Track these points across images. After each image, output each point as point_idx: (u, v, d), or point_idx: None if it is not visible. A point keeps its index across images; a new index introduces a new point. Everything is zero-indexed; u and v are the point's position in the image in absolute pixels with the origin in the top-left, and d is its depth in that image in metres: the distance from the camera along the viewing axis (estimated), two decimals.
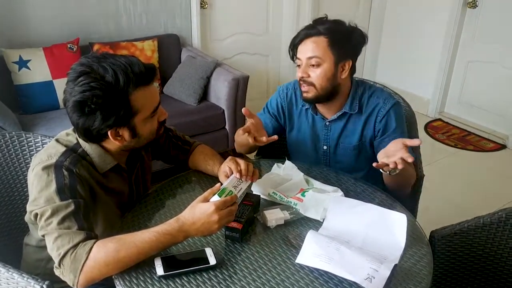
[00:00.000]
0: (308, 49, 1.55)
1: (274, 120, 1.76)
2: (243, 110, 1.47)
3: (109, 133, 1.22)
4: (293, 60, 1.64)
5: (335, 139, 1.70)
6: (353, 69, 1.62)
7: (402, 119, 1.65)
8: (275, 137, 1.49)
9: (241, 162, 1.38)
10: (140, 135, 1.28)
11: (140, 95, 1.21)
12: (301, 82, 1.60)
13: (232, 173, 1.36)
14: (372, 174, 1.59)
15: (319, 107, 1.68)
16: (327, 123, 1.69)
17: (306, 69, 1.57)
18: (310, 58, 1.55)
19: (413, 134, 1.90)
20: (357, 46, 1.60)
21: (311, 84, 1.57)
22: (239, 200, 1.25)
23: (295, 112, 1.74)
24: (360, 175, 1.68)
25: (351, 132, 1.67)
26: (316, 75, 1.56)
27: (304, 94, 1.61)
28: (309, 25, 1.58)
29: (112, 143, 1.28)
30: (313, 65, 1.55)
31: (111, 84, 1.16)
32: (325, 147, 1.73)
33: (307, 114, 1.72)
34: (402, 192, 1.62)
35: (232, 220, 1.19)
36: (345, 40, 1.55)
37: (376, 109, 1.63)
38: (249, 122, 1.49)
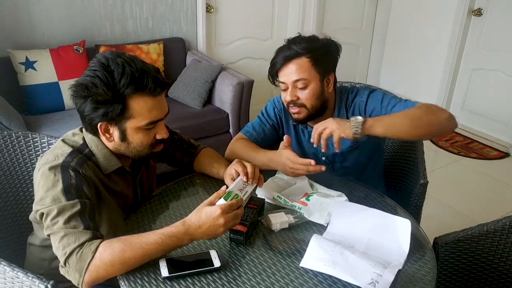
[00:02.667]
0: (292, 72, 1.53)
1: (273, 130, 1.74)
2: (286, 137, 1.47)
3: (98, 125, 1.23)
4: (275, 85, 1.62)
5: (330, 148, 1.65)
6: (335, 80, 1.61)
7: (383, 93, 1.60)
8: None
9: (248, 165, 1.39)
10: (129, 141, 1.27)
11: (141, 102, 1.21)
12: (291, 105, 1.58)
13: (238, 175, 1.37)
14: (376, 166, 1.64)
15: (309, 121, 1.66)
16: None
17: (294, 92, 1.55)
18: (297, 81, 1.53)
19: (417, 141, 1.90)
20: (336, 58, 1.59)
21: (302, 105, 1.56)
22: (244, 203, 1.25)
23: (291, 124, 1.73)
24: (368, 171, 1.70)
25: (343, 139, 1.65)
26: (305, 96, 1.54)
27: (295, 116, 1.59)
28: (284, 47, 1.56)
29: (105, 141, 1.29)
30: (300, 87, 1.54)
31: (113, 79, 1.17)
32: (323, 158, 1.72)
33: (303, 130, 1.71)
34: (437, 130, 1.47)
35: (237, 223, 1.19)
36: (325, 55, 1.55)
37: (356, 106, 1.62)
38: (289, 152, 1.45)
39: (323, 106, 1.59)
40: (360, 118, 1.40)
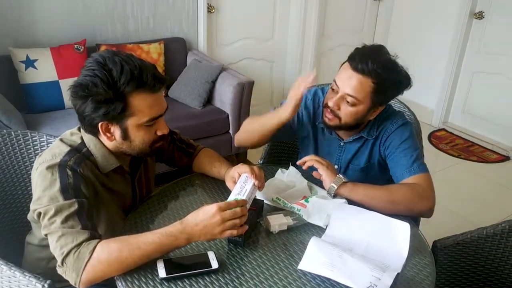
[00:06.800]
0: (350, 84, 1.45)
1: (287, 124, 1.65)
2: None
3: (99, 125, 1.23)
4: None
5: (347, 160, 1.66)
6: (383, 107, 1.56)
7: (409, 136, 1.55)
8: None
9: (255, 168, 1.38)
10: (131, 139, 1.27)
11: (141, 99, 1.21)
12: (328, 109, 1.52)
13: (238, 178, 1.37)
14: (385, 176, 1.59)
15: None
16: (342, 144, 1.65)
17: (339, 102, 1.48)
18: (348, 95, 1.45)
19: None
20: (399, 94, 1.54)
21: (337, 116, 1.50)
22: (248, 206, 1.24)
23: (310, 123, 1.68)
24: (379, 181, 1.67)
25: (361, 155, 1.64)
26: (346, 113, 1.49)
27: (325, 119, 1.54)
28: (363, 54, 1.45)
29: (106, 140, 1.28)
30: (347, 102, 1.47)
31: (113, 78, 1.17)
32: (336, 166, 1.68)
33: (323, 131, 1.67)
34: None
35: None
36: (390, 89, 1.48)
37: (382, 131, 1.58)
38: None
39: (356, 126, 1.55)
40: (341, 179, 1.42)
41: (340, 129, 1.59)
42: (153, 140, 1.30)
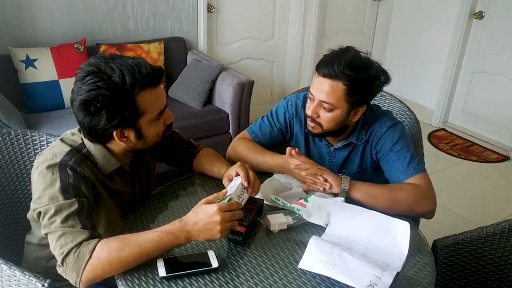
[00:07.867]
0: (323, 91, 1.44)
1: (279, 134, 1.69)
2: (294, 151, 1.44)
3: (114, 133, 1.23)
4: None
5: (338, 166, 1.65)
6: (367, 108, 1.53)
7: (400, 136, 1.53)
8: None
9: (251, 173, 1.38)
10: (145, 136, 1.28)
11: (147, 96, 1.21)
12: (309, 118, 1.52)
13: (235, 176, 1.37)
14: (380, 178, 1.59)
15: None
16: (332, 150, 1.64)
17: (317, 109, 1.48)
18: (323, 102, 1.45)
19: (417, 143, 1.89)
20: (378, 91, 1.51)
21: (319, 124, 1.50)
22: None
23: (301, 130, 1.68)
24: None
25: (353, 159, 1.63)
26: (325, 119, 1.48)
27: (309, 128, 1.55)
28: (330, 59, 1.43)
29: (117, 144, 1.28)
30: (324, 108, 1.47)
31: (118, 85, 1.16)
32: None
33: (313, 138, 1.66)
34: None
35: (236, 226, 1.18)
36: (364, 89, 1.44)
37: (372, 135, 1.56)
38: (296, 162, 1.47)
39: (340, 130, 1.54)
40: (348, 179, 1.43)
41: (325, 136, 1.58)
42: (164, 130, 1.33)
